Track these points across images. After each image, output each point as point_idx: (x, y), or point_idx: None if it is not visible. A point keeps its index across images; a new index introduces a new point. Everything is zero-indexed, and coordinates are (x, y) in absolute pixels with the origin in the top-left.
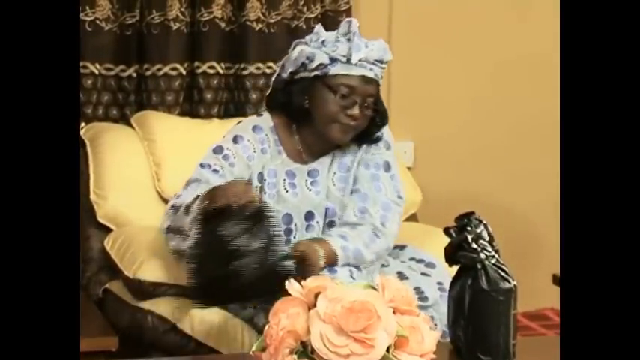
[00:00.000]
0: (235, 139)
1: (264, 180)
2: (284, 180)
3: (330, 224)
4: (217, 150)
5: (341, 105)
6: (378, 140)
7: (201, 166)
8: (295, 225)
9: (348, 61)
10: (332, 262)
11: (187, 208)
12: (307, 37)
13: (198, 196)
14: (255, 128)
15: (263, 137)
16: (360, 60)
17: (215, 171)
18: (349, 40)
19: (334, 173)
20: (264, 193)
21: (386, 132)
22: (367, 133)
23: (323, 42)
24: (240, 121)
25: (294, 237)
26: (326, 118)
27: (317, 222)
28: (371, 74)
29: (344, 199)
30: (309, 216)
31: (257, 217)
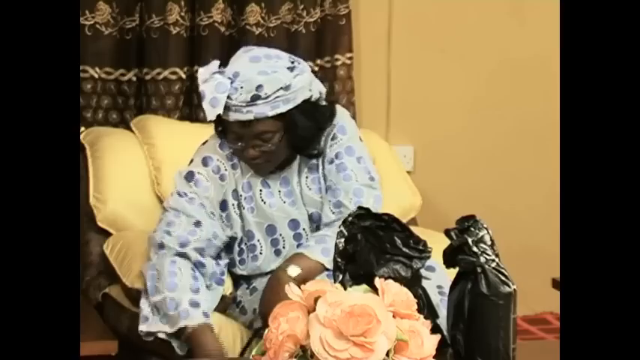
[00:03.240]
0: (205, 161)
1: (241, 195)
2: (260, 191)
3: (318, 229)
4: (189, 177)
5: (237, 147)
6: (319, 155)
7: (179, 194)
8: (281, 235)
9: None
10: (319, 271)
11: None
12: None
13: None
14: (221, 145)
15: (230, 153)
16: (229, 108)
17: (191, 199)
18: (202, 97)
19: (306, 177)
20: (243, 209)
21: (340, 116)
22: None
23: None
24: (206, 141)
25: (284, 247)
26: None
27: (303, 229)
28: (248, 117)
29: (322, 201)
30: (293, 224)
31: None
